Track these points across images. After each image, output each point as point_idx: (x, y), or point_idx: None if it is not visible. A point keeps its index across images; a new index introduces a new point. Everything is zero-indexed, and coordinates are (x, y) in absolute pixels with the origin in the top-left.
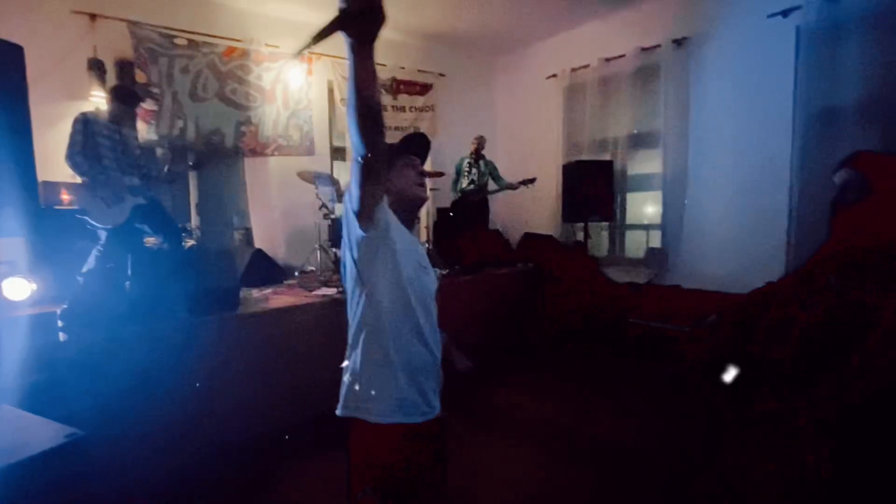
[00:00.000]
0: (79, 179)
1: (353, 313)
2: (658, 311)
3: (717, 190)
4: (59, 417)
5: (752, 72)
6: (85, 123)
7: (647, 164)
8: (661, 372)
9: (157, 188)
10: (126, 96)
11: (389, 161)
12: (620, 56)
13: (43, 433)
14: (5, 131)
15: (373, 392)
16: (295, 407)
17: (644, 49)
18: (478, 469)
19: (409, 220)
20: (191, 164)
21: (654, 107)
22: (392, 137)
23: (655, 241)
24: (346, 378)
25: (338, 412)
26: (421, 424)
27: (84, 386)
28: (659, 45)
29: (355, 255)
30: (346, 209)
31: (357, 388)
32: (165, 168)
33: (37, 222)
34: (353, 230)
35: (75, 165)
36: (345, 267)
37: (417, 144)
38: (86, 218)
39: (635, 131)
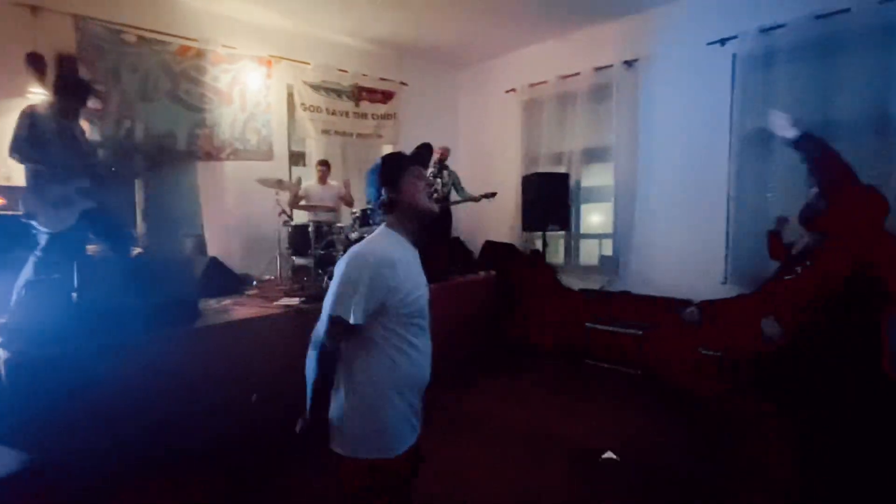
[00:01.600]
0: (14, 182)
1: None
2: (612, 315)
3: (663, 202)
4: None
5: (693, 94)
6: (32, 117)
7: (600, 176)
8: (617, 373)
9: (104, 191)
10: (75, 89)
11: (400, 173)
12: (576, 74)
13: None
14: None
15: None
16: (259, 421)
17: (598, 68)
18: (448, 474)
19: (418, 233)
20: (141, 167)
21: (606, 123)
22: (354, 144)
23: (608, 249)
24: None
25: None
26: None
27: (26, 405)
28: (612, 65)
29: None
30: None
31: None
32: (111, 169)
33: None
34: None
35: (22, 157)
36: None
37: (424, 156)
38: (31, 222)
39: (589, 146)
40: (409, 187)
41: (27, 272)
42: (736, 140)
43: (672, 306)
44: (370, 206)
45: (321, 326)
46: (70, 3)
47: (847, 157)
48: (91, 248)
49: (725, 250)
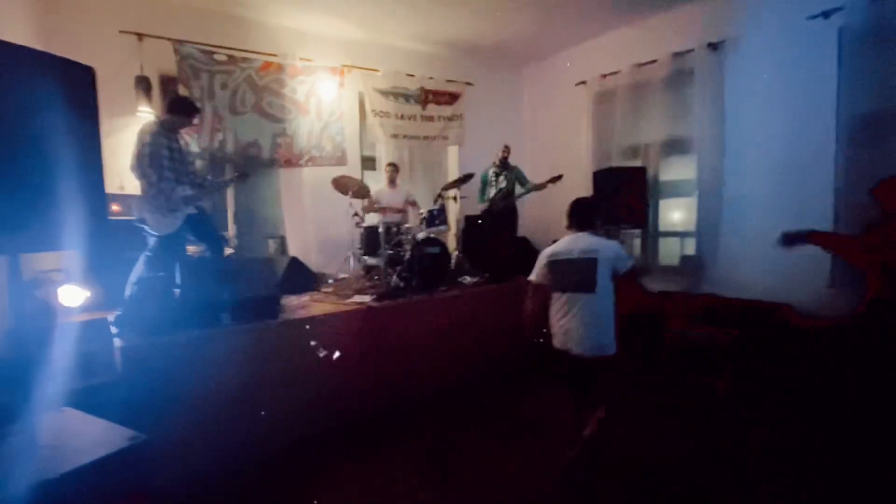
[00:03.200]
0: (127, 191)
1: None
2: (695, 319)
3: (755, 196)
4: (115, 420)
5: (791, 75)
6: (151, 135)
7: (680, 170)
8: (697, 383)
9: (203, 198)
10: (185, 107)
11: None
12: (652, 61)
13: (106, 436)
14: (78, 149)
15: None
16: (333, 412)
17: (677, 54)
18: (506, 478)
19: None
20: (237, 173)
21: (687, 112)
22: (420, 147)
23: (690, 248)
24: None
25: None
26: None
27: (137, 389)
28: (692, 50)
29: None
30: (623, 261)
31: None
32: (208, 177)
33: (105, 235)
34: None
35: (144, 175)
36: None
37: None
38: (144, 227)
39: (668, 137)
40: None
41: (139, 269)
42: (844, 125)
43: (766, 312)
44: (435, 209)
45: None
46: (170, 29)
47: None
48: (190, 249)
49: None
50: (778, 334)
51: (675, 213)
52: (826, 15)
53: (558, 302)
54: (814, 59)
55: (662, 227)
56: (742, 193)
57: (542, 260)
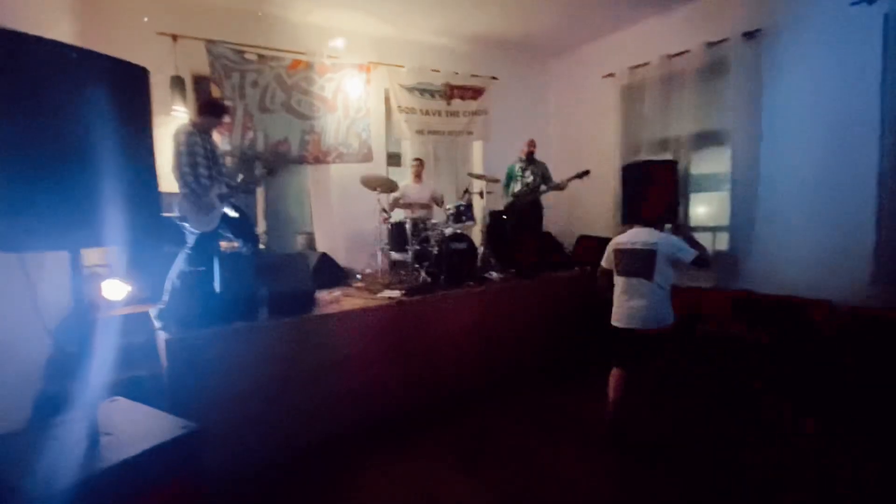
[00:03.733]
0: (164, 189)
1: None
2: (728, 316)
3: (792, 190)
4: (162, 409)
5: (832, 65)
6: (186, 135)
7: (712, 163)
8: (729, 378)
9: (237, 196)
10: (216, 109)
11: None
12: (684, 52)
13: (160, 425)
14: (133, 148)
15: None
16: (368, 405)
17: (710, 44)
18: (545, 472)
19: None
20: (266, 170)
21: (720, 104)
22: (445, 142)
23: (722, 243)
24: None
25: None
26: None
27: (181, 380)
28: (727, 39)
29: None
30: (684, 252)
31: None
32: (239, 177)
33: (157, 232)
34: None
35: (182, 176)
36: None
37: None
38: (184, 224)
39: (700, 130)
40: None
41: (179, 265)
42: (889, 114)
43: (803, 308)
44: (462, 204)
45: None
46: (202, 29)
47: None
48: (224, 245)
49: (875, 245)
50: (810, 332)
51: (707, 208)
52: (871, 1)
53: (620, 285)
54: (857, 48)
55: (694, 222)
56: (778, 187)
57: (610, 247)
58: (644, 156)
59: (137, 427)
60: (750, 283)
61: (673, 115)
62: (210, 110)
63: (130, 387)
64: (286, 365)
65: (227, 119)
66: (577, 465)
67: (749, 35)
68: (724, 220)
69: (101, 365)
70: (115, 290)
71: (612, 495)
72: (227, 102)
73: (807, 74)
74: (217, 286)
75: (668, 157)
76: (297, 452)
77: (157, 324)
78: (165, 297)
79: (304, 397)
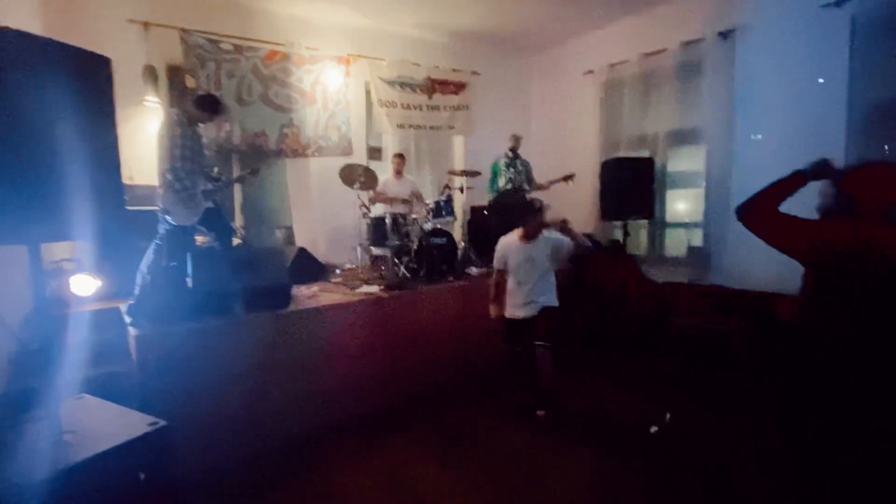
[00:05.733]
0: (137, 181)
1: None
2: (700, 310)
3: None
4: (131, 407)
5: (802, 65)
6: (181, 127)
7: (688, 160)
8: (703, 372)
9: (219, 190)
10: (214, 106)
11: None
12: (661, 50)
13: (127, 422)
14: (96, 140)
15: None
16: (346, 401)
17: (686, 43)
18: (518, 463)
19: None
20: (249, 170)
21: (696, 102)
22: (426, 136)
23: (697, 239)
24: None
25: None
26: None
27: (152, 376)
28: (702, 39)
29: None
30: (564, 248)
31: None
32: (215, 170)
33: (120, 225)
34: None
35: (173, 169)
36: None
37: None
38: (167, 217)
39: (676, 127)
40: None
41: (149, 258)
42: (855, 114)
43: (773, 303)
44: (441, 200)
45: None
46: (176, 17)
47: None
48: (199, 239)
49: None
50: (777, 326)
51: (683, 204)
52: (839, 4)
53: (512, 281)
54: (826, 48)
55: (670, 218)
56: (751, 184)
57: (499, 250)
58: (622, 153)
59: (103, 425)
60: (722, 278)
61: (650, 112)
62: (209, 106)
63: (100, 384)
64: (262, 361)
65: (222, 118)
66: (555, 456)
67: (723, 35)
68: (699, 217)
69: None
70: (84, 285)
71: (589, 486)
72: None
73: (778, 74)
74: (189, 281)
75: (645, 154)
76: (274, 449)
77: (127, 319)
78: (136, 292)
79: (280, 393)
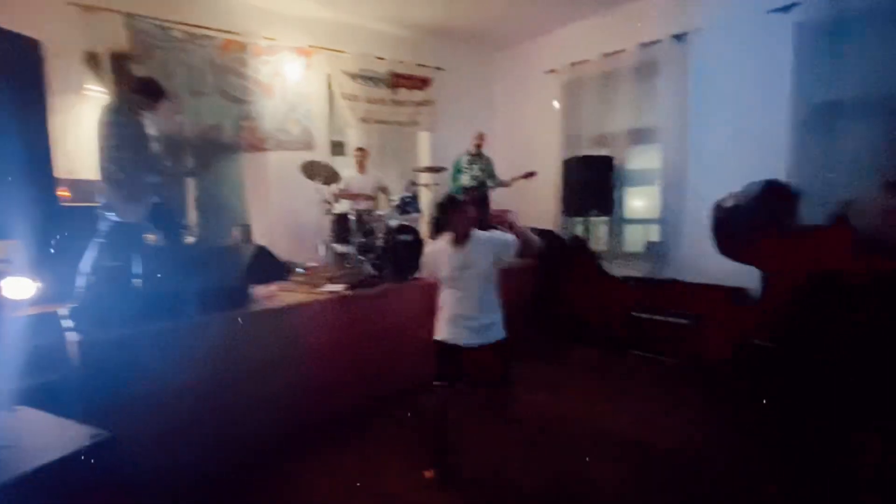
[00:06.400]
0: (78, 176)
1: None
2: (657, 304)
3: (716, 185)
4: (74, 417)
5: (750, 67)
6: (118, 115)
7: (646, 158)
8: (661, 364)
9: (166, 185)
10: (152, 90)
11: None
12: (620, 51)
13: (67, 434)
14: (23, 130)
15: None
16: (310, 402)
17: (644, 44)
18: (486, 462)
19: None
20: (198, 164)
21: (653, 102)
22: (391, 132)
23: (655, 235)
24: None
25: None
26: None
27: (97, 385)
28: (659, 40)
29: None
30: (508, 246)
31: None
32: (167, 163)
33: (54, 222)
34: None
35: (112, 160)
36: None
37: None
38: (109, 213)
39: (635, 127)
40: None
41: (90, 257)
42: (798, 116)
43: (725, 295)
44: (407, 196)
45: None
46: (121, 1)
47: None
48: (149, 237)
49: None
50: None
51: (641, 201)
52: (786, 10)
53: (447, 293)
54: (772, 52)
55: (628, 215)
56: (704, 182)
57: (425, 259)
58: (584, 151)
59: (41, 438)
60: (678, 273)
61: (610, 112)
62: (145, 91)
63: (38, 394)
64: (218, 365)
65: (163, 104)
66: (517, 456)
67: (677, 37)
68: (657, 213)
69: (3, 371)
70: (20, 288)
71: (553, 484)
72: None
73: (729, 76)
74: (136, 282)
75: (605, 152)
76: (233, 455)
77: (68, 324)
78: (78, 295)
79: (238, 398)
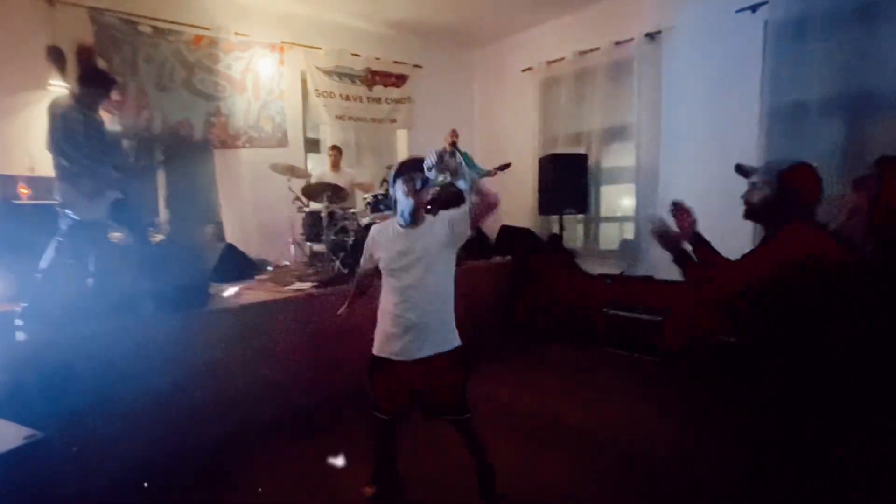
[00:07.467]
0: (38, 173)
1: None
2: (632, 301)
3: (688, 183)
4: (21, 419)
5: (720, 66)
6: (63, 109)
7: (620, 157)
8: (635, 360)
9: (130, 181)
10: (100, 80)
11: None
12: (595, 49)
13: (1, 435)
14: None
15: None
16: (267, 403)
17: (618, 42)
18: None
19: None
20: (161, 158)
21: (627, 100)
22: (367, 129)
23: (629, 233)
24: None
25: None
26: None
27: (45, 386)
28: (632, 39)
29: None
30: (461, 234)
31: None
32: (131, 159)
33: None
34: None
35: (62, 155)
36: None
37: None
38: (66, 211)
39: (609, 125)
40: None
41: (48, 257)
42: (766, 115)
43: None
44: (379, 194)
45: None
46: None
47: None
48: (113, 236)
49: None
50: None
51: (616, 199)
52: (754, 9)
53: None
54: (741, 51)
55: (604, 213)
56: (677, 179)
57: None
58: (560, 149)
59: None
60: (651, 270)
61: (586, 110)
62: (93, 81)
63: None
64: (175, 364)
65: (115, 94)
66: (495, 454)
67: (650, 36)
68: (631, 211)
69: None
70: None
71: (531, 484)
72: (117, 78)
73: (699, 74)
74: (91, 280)
75: (581, 150)
76: (189, 456)
77: (18, 323)
78: (30, 294)
79: (196, 397)
